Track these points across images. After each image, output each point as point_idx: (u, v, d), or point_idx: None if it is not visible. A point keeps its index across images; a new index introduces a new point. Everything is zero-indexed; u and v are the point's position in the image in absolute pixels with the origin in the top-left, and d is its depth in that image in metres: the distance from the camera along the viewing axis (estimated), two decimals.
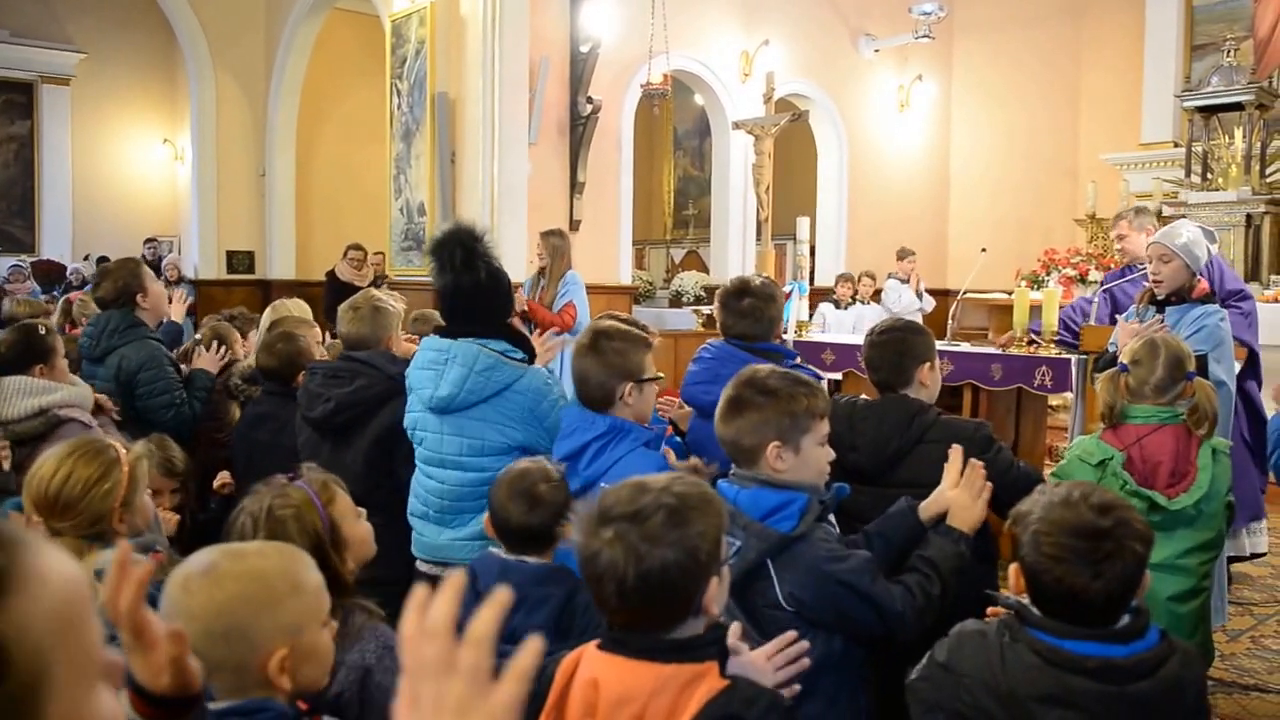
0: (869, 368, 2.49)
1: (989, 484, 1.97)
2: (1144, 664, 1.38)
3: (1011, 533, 1.51)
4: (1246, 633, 3.65)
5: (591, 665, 1.35)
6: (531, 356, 2.50)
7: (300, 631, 1.24)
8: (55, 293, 8.87)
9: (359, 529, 1.72)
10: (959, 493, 1.95)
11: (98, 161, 11.30)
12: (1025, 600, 1.47)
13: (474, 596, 1.86)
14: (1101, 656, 1.37)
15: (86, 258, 10.57)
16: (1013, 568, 1.49)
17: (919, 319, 7.15)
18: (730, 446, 1.88)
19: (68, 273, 9.93)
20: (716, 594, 1.34)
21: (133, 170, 11.49)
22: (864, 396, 2.49)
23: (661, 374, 2.34)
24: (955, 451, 2.01)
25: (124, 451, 1.90)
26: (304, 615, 1.26)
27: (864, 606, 1.76)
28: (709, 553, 1.32)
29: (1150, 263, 3.55)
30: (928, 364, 2.41)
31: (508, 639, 1.78)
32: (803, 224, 7.20)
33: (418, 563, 2.50)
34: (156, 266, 9.09)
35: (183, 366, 3.46)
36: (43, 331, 2.90)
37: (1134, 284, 4.14)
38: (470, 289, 2.41)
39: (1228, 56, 7.72)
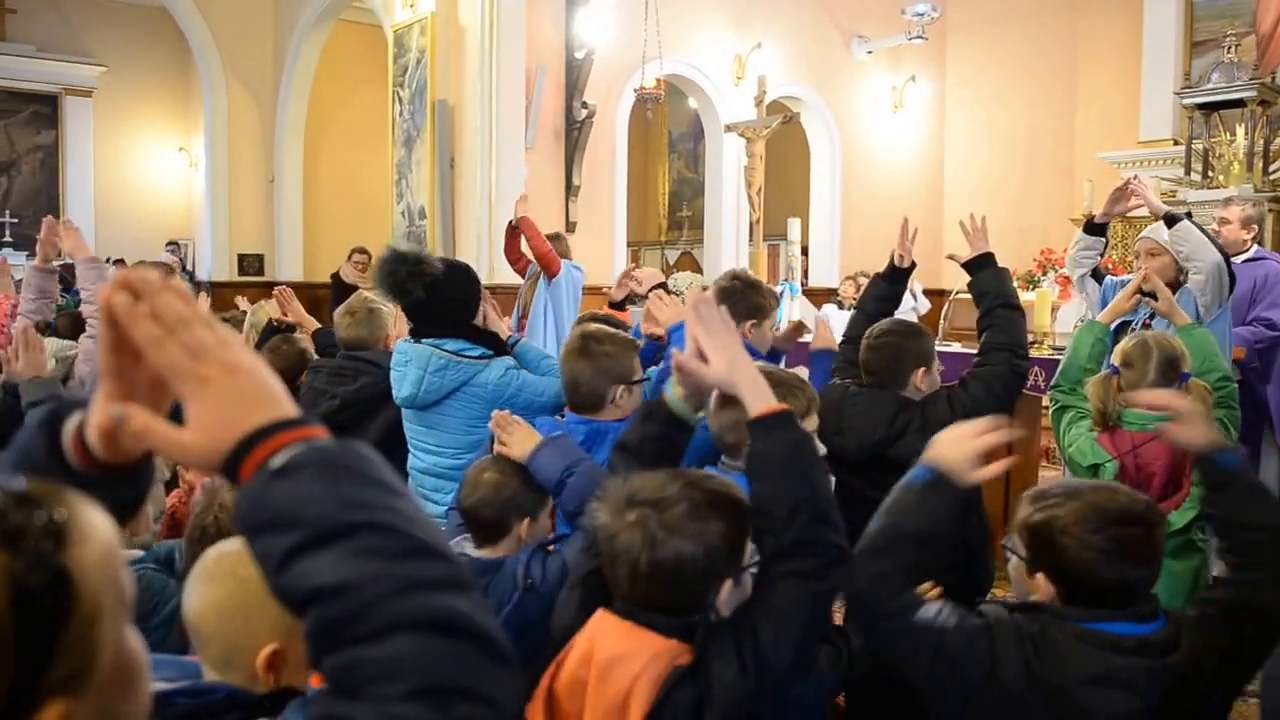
0: (865, 371, 2.45)
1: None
2: (1169, 639, 1.42)
3: (1031, 533, 1.46)
4: None
5: (598, 623, 1.38)
6: (496, 351, 2.57)
7: (294, 634, 1.20)
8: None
9: None
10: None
11: (118, 169, 11.62)
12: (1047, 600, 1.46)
13: None
14: (1136, 635, 1.41)
15: (105, 260, 10.91)
16: (1038, 577, 1.46)
17: (913, 319, 7.18)
18: (730, 434, 1.86)
19: None
20: (728, 597, 1.35)
21: (150, 177, 11.78)
22: (854, 385, 2.47)
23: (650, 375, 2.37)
24: None
25: None
26: None
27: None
28: (725, 554, 1.32)
29: (1139, 257, 3.61)
30: (923, 369, 2.40)
31: None
32: (794, 225, 7.26)
33: None
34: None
35: None
36: None
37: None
38: (415, 306, 2.55)
39: (1229, 52, 7.62)
